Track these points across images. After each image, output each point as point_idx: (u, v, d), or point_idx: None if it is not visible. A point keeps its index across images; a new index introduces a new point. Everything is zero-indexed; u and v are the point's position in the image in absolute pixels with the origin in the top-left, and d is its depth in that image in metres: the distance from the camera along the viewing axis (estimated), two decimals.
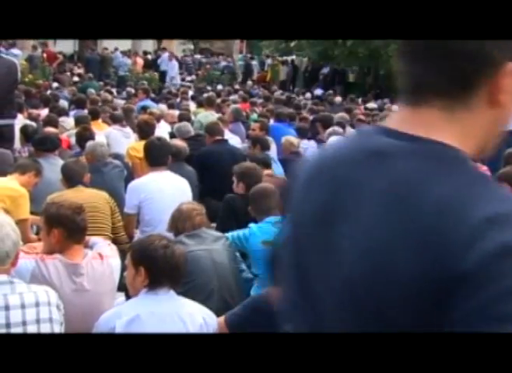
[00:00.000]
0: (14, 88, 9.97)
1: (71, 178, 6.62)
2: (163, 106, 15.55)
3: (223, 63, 34.07)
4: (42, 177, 7.09)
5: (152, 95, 19.83)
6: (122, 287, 4.96)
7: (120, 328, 3.67)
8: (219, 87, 25.28)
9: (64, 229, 4.44)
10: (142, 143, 8.30)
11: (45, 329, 3.34)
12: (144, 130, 9.33)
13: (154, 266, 3.83)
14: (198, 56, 38.37)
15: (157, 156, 7.16)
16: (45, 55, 27.06)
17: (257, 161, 7.72)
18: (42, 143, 8.19)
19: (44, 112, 13.15)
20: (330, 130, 10.72)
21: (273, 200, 5.88)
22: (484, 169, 9.85)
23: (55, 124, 10.75)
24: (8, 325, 3.24)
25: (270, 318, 3.96)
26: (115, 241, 6.57)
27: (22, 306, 3.30)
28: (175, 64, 28.68)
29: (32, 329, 3.30)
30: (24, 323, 3.28)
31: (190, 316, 3.85)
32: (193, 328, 3.81)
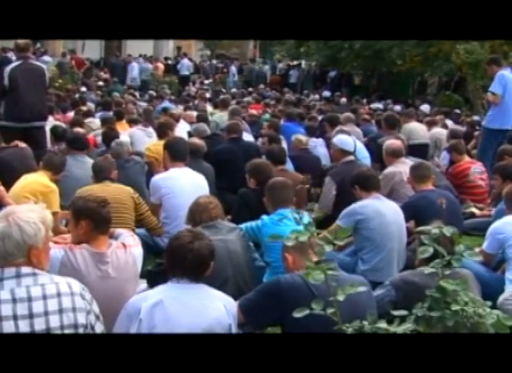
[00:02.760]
0: (45, 91, 10.04)
1: (99, 173, 6.68)
2: (181, 108, 15.63)
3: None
4: (69, 173, 7.16)
5: (172, 97, 19.89)
6: (144, 274, 5.00)
7: (145, 310, 3.70)
8: (234, 90, 25.31)
9: (91, 221, 4.47)
10: (159, 143, 8.46)
11: (68, 318, 3.31)
12: (162, 131, 9.40)
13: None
14: (214, 61, 38.45)
15: (177, 152, 7.20)
16: (73, 62, 27.14)
17: (275, 155, 7.83)
18: (75, 142, 8.27)
19: (72, 114, 13.29)
20: (337, 128, 10.72)
21: (288, 192, 5.92)
22: (479, 164, 9.87)
23: (81, 125, 10.86)
24: (31, 315, 3.22)
25: (279, 302, 4.00)
26: (149, 227, 6.67)
27: (44, 297, 3.26)
28: (134, 65, 28.59)
29: (54, 318, 3.27)
30: (46, 313, 3.26)
31: (211, 302, 3.87)
32: (214, 313, 3.83)
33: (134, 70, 28.24)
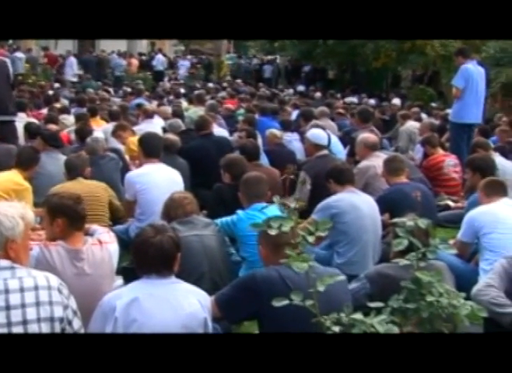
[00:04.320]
0: (9, 85, 9.93)
1: (72, 171, 6.65)
2: (155, 104, 15.59)
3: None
4: (43, 170, 7.13)
5: (147, 93, 19.84)
6: (120, 271, 4.99)
7: (120, 308, 3.69)
8: (210, 84, 25.27)
9: (67, 218, 4.45)
10: None
11: (45, 311, 3.34)
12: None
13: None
14: (189, 56, 38.36)
15: (151, 148, 7.19)
16: (46, 59, 27.02)
17: (248, 151, 7.79)
18: (50, 139, 8.23)
19: (46, 111, 13.23)
20: (311, 123, 10.74)
21: (262, 187, 5.93)
22: (452, 157, 9.95)
23: (55, 121, 10.81)
24: (7, 307, 3.24)
25: (255, 296, 4.01)
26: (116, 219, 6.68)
27: (21, 290, 3.29)
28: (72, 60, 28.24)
29: (31, 311, 3.30)
30: (23, 306, 3.29)
31: (185, 298, 3.86)
32: (189, 308, 3.82)
33: (73, 65, 27.89)
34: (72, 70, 27.32)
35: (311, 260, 3.03)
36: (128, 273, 5.00)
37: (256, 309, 3.95)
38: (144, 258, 3.86)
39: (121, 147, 9.69)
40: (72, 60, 27.99)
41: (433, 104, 18.78)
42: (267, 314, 3.80)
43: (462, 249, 6.15)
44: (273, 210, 4.06)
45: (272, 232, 3.05)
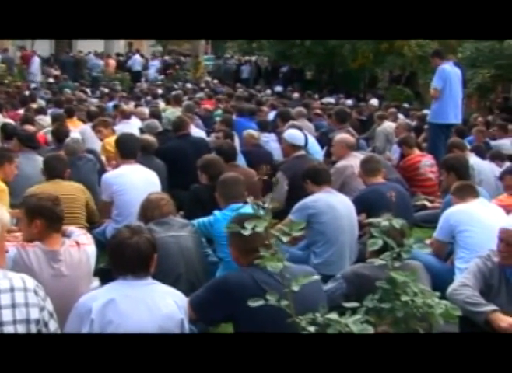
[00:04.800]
0: None
1: (51, 172, 6.62)
2: (132, 104, 15.57)
3: None
4: (20, 171, 7.09)
5: (124, 93, 19.79)
6: (97, 272, 4.98)
7: (96, 310, 3.68)
8: (188, 85, 25.23)
9: (45, 219, 4.44)
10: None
11: (21, 313, 3.33)
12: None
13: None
14: (166, 57, 38.26)
15: (127, 149, 7.19)
16: (22, 58, 26.87)
17: (224, 152, 7.77)
18: (27, 140, 8.19)
19: (22, 111, 13.15)
20: (289, 123, 10.75)
21: (239, 187, 5.95)
22: (429, 157, 10.02)
23: (32, 122, 10.76)
24: None
25: (227, 299, 4.02)
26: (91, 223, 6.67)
27: None
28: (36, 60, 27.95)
29: (7, 312, 3.28)
30: None
31: (162, 299, 3.86)
32: (166, 309, 3.83)
33: (34, 64, 27.70)
34: (35, 69, 27.23)
35: (285, 260, 3.05)
36: (105, 275, 4.99)
37: (229, 312, 3.97)
38: (120, 259, 3.85)
39: (99, 145, 9.70)
40: (36, 59, 27.84)
41: (406, 105, 18.82)
42: (241, 317, 3.82)
43: (438, 247, 6.20)
44: (248, 210, 4.08)
45: (246, 232, 3.07)
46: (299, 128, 9.65)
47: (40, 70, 27.60)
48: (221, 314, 4.08)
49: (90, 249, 4.66)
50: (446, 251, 6.32)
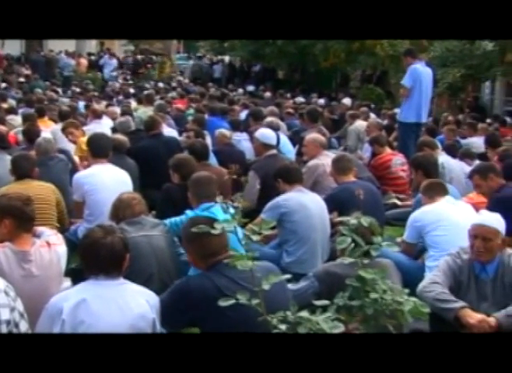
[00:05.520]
0: None
1: (19, 171, 6.58)
2: (104, 104, 15.51)
3: None
4: None
5: (95, 93, 19.70)
6: (68, 272, 4.96)
7: (67, 310, 3.65)
8: (160, 84, 25.18)
9: (15, 219, 4.42)
10: None
11: None
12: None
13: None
14: (138, 56, 38.11)
15: (99, 149, 7.18)
16: None
17: (197, 152, 7.76)
18: (0, 140, 8.15)
19: None
20: (265, 122, 10.76)
21: (212, 187, 5.95)
22: (400, 156, 10.08)
23: (2, 122, 10.69)
24: None
25: (188, 305, 4.01)
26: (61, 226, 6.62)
27: None
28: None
29: None
30: None
31: (133, 299, 3.85)
32: (138, 309, 3.82)
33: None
34: None
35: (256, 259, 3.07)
36: (77, 275, 4.98)
37: (190, 316, 3.98)
38: (94, 259, 3.84)
39: (71, 147, 9.64)
40: None
41: (372, 105, 18.85)
42: (203, 321, 3.84)
43: (408, 249, 6.27)
44: (218, 210, 4.09)
45: (216, 232, 3.08)
46: (277, 126, 9.67)
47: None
48: (182, 318, 4.07)
49: (61, 249, 4.63)
50: (415, 251, 6.37)
